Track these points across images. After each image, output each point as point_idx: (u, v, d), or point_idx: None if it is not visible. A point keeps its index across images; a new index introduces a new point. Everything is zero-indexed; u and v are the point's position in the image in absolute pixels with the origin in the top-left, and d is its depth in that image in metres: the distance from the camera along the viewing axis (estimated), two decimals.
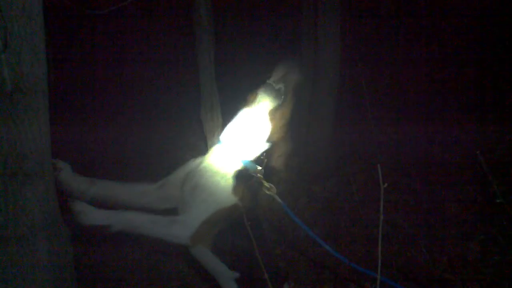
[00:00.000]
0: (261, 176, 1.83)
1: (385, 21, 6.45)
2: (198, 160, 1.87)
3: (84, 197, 1.80)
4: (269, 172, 1.87)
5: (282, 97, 1.84)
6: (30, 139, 1.50)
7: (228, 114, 2.02)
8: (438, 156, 5.16)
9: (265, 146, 1.86)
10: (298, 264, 3.25)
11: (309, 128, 5.34)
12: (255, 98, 1.85)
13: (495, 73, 6.09)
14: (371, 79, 6.30)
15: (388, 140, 5.62)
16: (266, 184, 1.85)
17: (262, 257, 1.50)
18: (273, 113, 1.83)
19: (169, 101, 6.79)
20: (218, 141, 1.88)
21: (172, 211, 1.86)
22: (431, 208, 3.98)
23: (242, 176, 1.79)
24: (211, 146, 1.93)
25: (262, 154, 1.87)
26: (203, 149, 3.78)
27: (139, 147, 5.69)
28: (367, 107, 6.14)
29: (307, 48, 5.75)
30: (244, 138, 1.85)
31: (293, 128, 1.94)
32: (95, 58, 7.29)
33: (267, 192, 1.85)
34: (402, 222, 3.72)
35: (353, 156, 5.32)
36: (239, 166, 1.81)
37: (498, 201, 1.58)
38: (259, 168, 1.83)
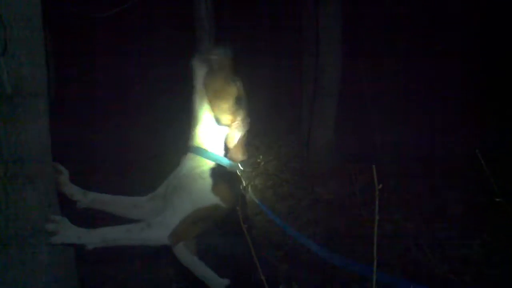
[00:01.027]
0: (239, 174, 1.84)
1: (386, 23, 6.44)
2: (180, 167, 1.88)
3: (78, 206, 1.82)
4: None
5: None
6: (30, 142, 1.51)
7: None
8: (439, 157, 5.15)
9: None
10: (300, 266, 3.24)
11: (310, 129, 5.35)
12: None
13: (495, 73, 6.07)
14: (372, 80, 6.29)
15: (389, 141, 5.61)
16: (243, 182, 1.86)
17: (255, 261, 1.49)
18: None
19: (170, 103, 6.80)
20: (196, 143, 1.86)
21: None
22: (433, 209, 3.98)
23: (221, 175, 1.78)
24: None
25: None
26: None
27: (139, 149, 5.69)
28: (368, 108, 6.16)
29: (309, 50, 5.76)
30: (217, 137, 1.85)
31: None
32: (95, 61, 7.32)
33: (242, 191, 1.86)
34: (404, 223, 3.72)
35: (355, 157, 5.31)
36: (217, 164, 1.81)
37: (497, 200, 1.57)
38: (238, 165, 1.84)
